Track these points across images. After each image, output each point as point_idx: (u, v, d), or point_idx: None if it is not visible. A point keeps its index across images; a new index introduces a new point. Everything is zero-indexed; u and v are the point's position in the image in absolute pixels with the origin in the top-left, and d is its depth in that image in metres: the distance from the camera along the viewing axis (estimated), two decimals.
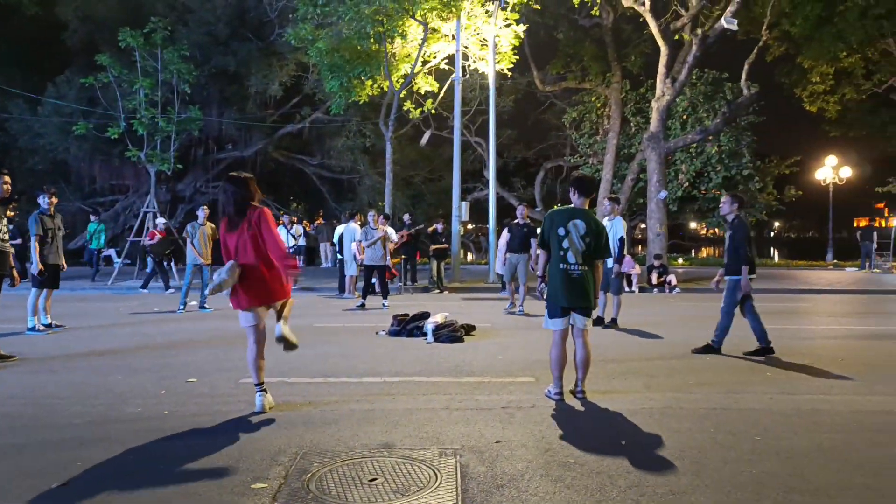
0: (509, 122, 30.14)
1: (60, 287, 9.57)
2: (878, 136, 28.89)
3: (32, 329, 8.66)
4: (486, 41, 17.90)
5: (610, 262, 9.32)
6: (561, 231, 5.28)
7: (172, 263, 15.85)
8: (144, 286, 14.89)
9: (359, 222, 14.34)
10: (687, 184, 27.67)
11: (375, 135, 26.10)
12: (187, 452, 4.01)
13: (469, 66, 18.74)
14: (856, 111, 27.16)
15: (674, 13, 19.49)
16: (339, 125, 27.09)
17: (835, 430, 4.52)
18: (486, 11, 17.53)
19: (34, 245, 8.64)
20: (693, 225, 47.83)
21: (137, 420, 4.70)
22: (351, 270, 13.90)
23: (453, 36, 17.40)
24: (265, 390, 5.00)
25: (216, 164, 28.07)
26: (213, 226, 11.43)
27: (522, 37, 18.60)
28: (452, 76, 17.67)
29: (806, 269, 24.98)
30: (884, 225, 45.83)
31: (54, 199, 9.03)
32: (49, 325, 8.94)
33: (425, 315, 8.82)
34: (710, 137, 24.65)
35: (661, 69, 18.66)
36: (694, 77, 25.65)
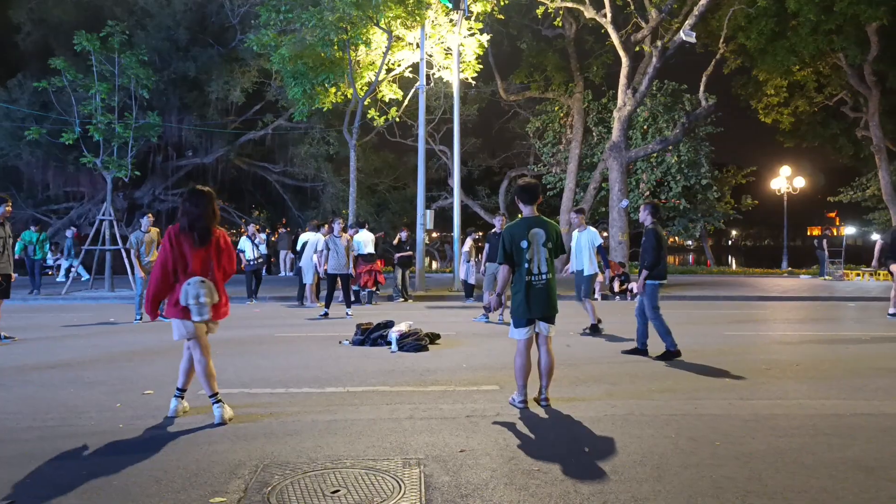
0: (474, 131, 30.39)
1: (11, 297, 9.24)
2: (830, 147, 29.90)
3: None
4: (451, 50, 17.98)
5: (589, 270, 9.88)
6: (524, 244, 5.30)
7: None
8: (252, 295, 14.74)
9: (325, 232, 14.23)
10: (648, 193, 28.14)
11: (339, 142, 25.95)
12: (143, 467, 3.89)
13: (433, 74, 18.79)
14: (808, 123, 28.08)
15: (634, 25, 19.87)
16: (302, 132, 26.88)
17: (791, 435, 4.62)
18: (451, 20, 17.61)
19: None
20: None
21: (91, 434, 4.55)
22: (308, 279, 13.77)
23: (417, 44, 17.43)
24: (221, 400, 4.90)
25: (176, 171, 27.55)
26: (158, 230, 11.03)
27: (486, 46, 18.74)
28: (417, 84, 17.69)
29: (762, 276, 25.61)
30: (835, 234, 47.27)
31: (9, 209, 8.69)
32: None
33: (389, 324, 8.77)
34: (670, 147, 25.14)
35: (623, 80, 18.99)
36: (654, 88, 26.19)
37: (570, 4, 20.23)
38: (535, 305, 5.27)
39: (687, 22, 17.73)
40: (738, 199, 34.02)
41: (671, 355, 7.55)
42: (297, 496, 3.48)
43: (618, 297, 16.12)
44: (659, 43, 18.56)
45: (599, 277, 10.06)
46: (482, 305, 11.78)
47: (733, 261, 54.78)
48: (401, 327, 8.44)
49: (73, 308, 13.50)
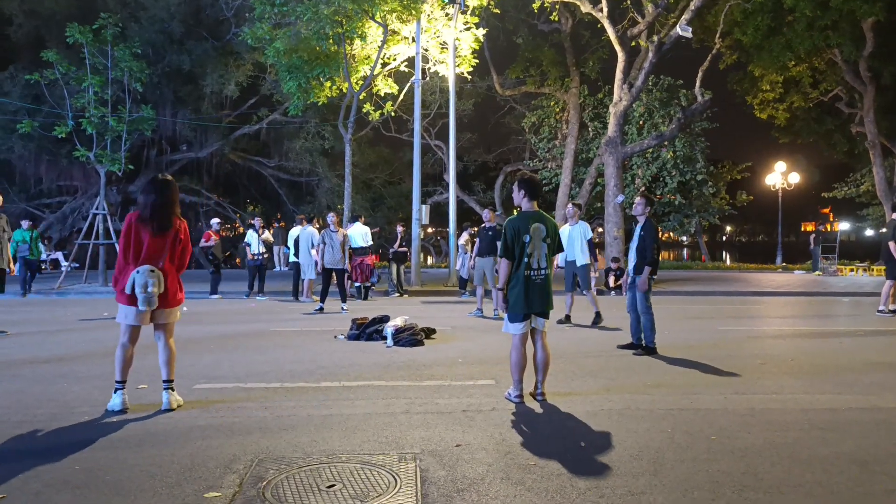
0: (469, 126, 30.39)
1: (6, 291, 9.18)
2: (824, 143, 29.96)
3: None
4: (446, 44, 17.92)
5: (583, 260, 10.04)
6: (526, 238, 5.26)
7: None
8: (214, 292, 14.46)
9: (316, 226, 14.18)
10: (643, 188, 28.15)
11: (334, 137, 25.89)
12: (137, 462, 3.87)
13: (429, 68, 18.73)
14: (803, 119, 28.12)
15: (631, 20, 19.83)
16: (297, 127, 26.79)
17: (787, 429, 4.62)
18: (447, 14, 17.54)
19: None
20: None
21: (84, 430, 4.51)
22: (309, 274, 13.71)
23: (413, 38, 17.37)
24: (122, 390, 5.00)
25: (170, 165, 27.43)
26: None
27: (482, 40, 18.70)
28: (412, 79, 17.64)
29: (757, 271, 25.69)
30: (829, 229, 47.47)
31: None
32: None
33: (385, 318, 8.75)
34: (666, 143, 25.15)
35: (619, 75, 18.96)
36: (650, 83, 26.18)
37: None
38: (533, 300, 5.25)
39: (683, 17, 17.72)
40: (733, 194, 34.12)
41: (651, 351, 7.57)
42: (293, 491, 3.46)
43: (613, 291, 16.15)
44: (655, 38, 18.53)
45: (594, 272, 10.19)
46: (476, 301, 11.77)
47: (728, 256, 54.95)
48: (396, 322, 8.43)
49: (67, 303, 13.43)
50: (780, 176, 29.66)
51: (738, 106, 27.72)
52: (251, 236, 14.46)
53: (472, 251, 15.06)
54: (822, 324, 11.06)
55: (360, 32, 16.77)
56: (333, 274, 12.04)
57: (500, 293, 5.36)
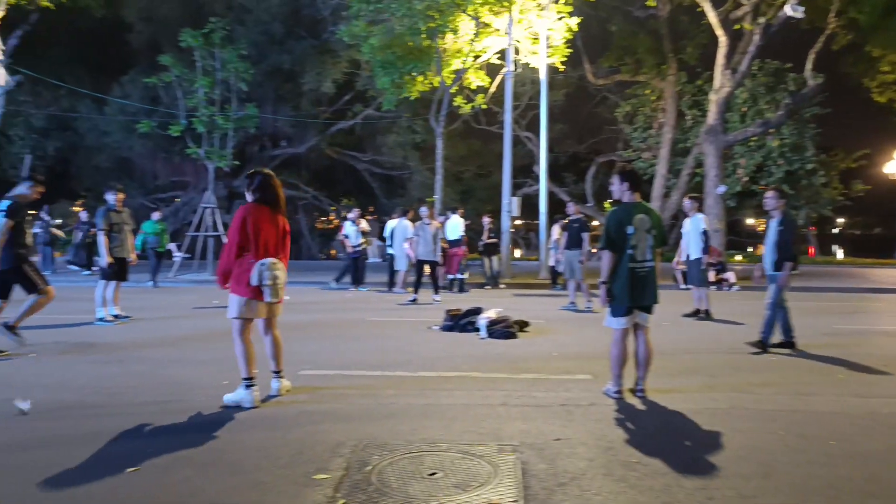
0: (560, 117, 29.85)
1: (128, 279, 9.89)
2: None
3: (101, 320, 8.99)
4: (538, 35, 17.73)
5: (696, 254, 9.91)
6: (630, 229, 5.14)
7: None
8: (358, 283, 14.61)
9: (410, 218, 14.39)
10: (746, 178, 26.88)
11: (426, 131, 26.20)
12: (251, 443, 4.09)
13: (520, 60, 18.59)
14: None
15: (734, 2, 18.92)
16: (390, 121, 27.30)
17: None
18: (539, 5, 17.35)
19: (101, 239, 8.97)
20: (751, 221, 46.47)
21: (202, 410, 4.82)
22: (401, 266, 13.95)
23: (505, 31, 17.29)
24: (254, 385, 5.03)
25: (271, 160, 28.64)
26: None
27: (575, 30, 18.34)
28: (504, 71, 17.58)
29: (872, 266, 23.96)
30: None
31: (122, 196, 9.35)
32: (117, 317, 9.26)
33: (478, 310, 8.79)
34: (772, 130, 23.89)
35: (720, 60, 18.16)
36: (755, 68, 24.89)
37: None
38: (636, 294, 5.13)
39: None
40: (846, 184, 31.92)
41: (765, 347, 7.26)
42: (397, 477, 3.55)
43: (713, 286, 15.51)
44: (761, 20, 17.60)
45: (704, 260, 9.96)
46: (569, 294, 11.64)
47: (839, 250, 51.55)
48: (490, 314, 8.46)
49: (179, 291, 14.32)
50: None
51: (854, 89, 25.84)
52: (349, 228, 14.73)
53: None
54: None
55: (452, 26, 16.88)
56: (426, 265, 12.22)
57: (603, 287, 5.26)
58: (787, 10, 16.37)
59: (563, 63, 19.09)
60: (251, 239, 4.88)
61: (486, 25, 17.50)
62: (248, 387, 4.94)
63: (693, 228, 10.08)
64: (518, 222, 37.06)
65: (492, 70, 19.17)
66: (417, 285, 12.24)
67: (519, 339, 8.05)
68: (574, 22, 17.87)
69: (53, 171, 29.18)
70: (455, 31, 17.25)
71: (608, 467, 3.71)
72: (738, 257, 28.67)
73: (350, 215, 15.10)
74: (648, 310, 5.24)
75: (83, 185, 30.19)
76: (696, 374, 6.11)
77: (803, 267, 22.91)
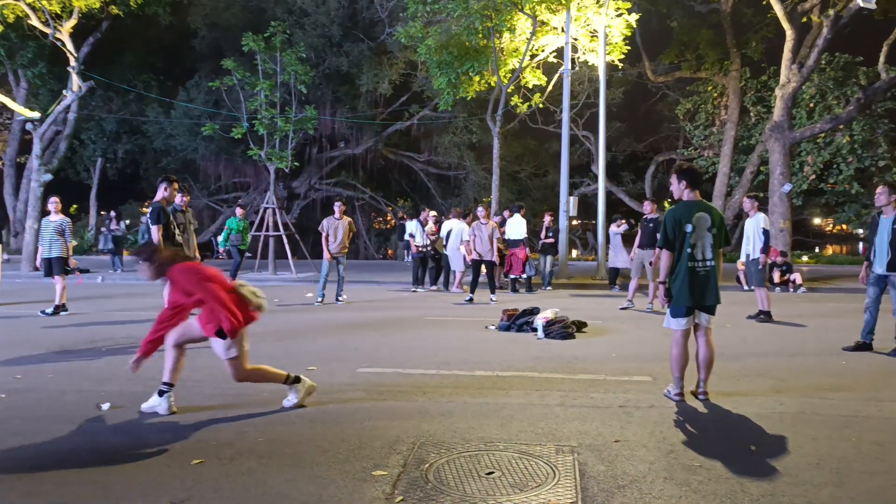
0: (619, 115, 29.34)
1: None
2: None
3: None
4: (597, 32, 17.48)
5: (755, 254, 9.67)
6: (689, 227, 5.02)
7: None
8: (419, 283, 14.52)
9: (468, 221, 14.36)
10: (813, 176, 25.87)
11: (481, 130, 26.18)
12: (310, 437, 4.17)
13: (578, 58, 18.36)
14: None
15: None
16: (446, 122, 27.40)
17: None
18: (597, 2, 17.09)
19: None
20: (818, 221, 44.66)
21: (265, 405, 4.94)
22: (457, 266, 13.96)
23: (562, 28, 17.11)
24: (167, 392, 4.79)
25: (329, 161, 29.17)
26: (351, 220, 11.87)
27: (634, 26, 17.99)
28: (561, 69, 17.39)
29: None
30: None
31: (187, 197, 9.62)
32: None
33: (535, 310, 8.74)
34: (841, 126, 22.92)
35: (787, 54, 17.51)
36: (823, 62, 23.90)
37: None
38: (696, 294, 5.01)
39: None
40: None
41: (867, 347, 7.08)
42: (454, 475, 3.56)
43: (778, 288, 14.98)
44: (831, 12, 16.88)
45: (762, 260, 9.65)
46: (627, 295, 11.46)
47: None
48: (546, 314, 8.39)
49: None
50: None
51: None
52: (415, 228, 14.61)
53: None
54: None
55: (508, 25, 16.79)
56: (482, 265, 12.20)
57: (661, 287, 5.16)
58: (859, 0, 15.64)
59: (621, 60, 18.75)
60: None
61: (544, 24, 17.35)
62: (161, 394, 4.74)
63: (753, 227, 9.85)
64: (574, 222, 36.69)
65: (549, 69, 18.99)
66: (474, 285, 12.24)
67: (576, 339, 7.96)
68: (633, 18, 17.53)
69: (123, 174, 30.51)
70: (512, 30, 17.16)
71: (669, 471, 3.63)
72: (805, 258, 27.59)
73: (422, 215, 15.07)
74: (710, 310, 5.10)
75: (151, 187, 31.42)
76: (762, 377, 5.91)
77: None
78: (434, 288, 14.60)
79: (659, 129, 32.32)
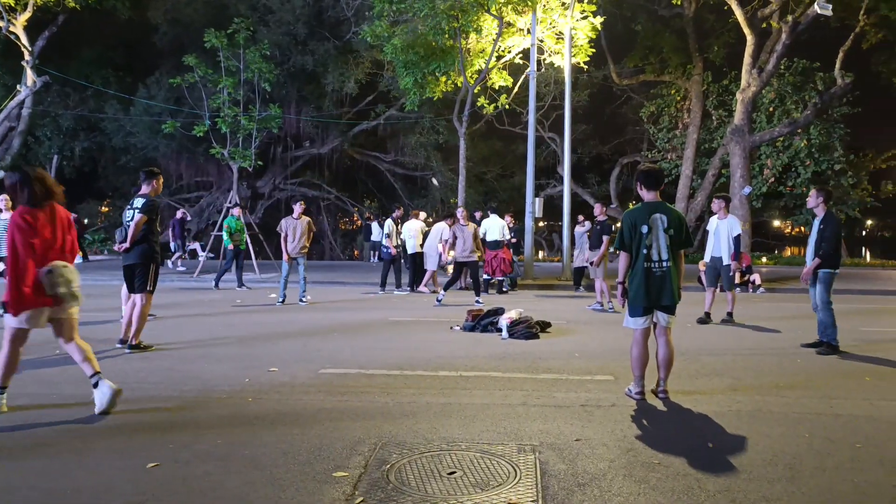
0: (584, 117, 29.63)
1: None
2: None
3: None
4: (562, 35, 17.62)
5: (726, 259, 9.54)
6: (644, 228, 5.10)
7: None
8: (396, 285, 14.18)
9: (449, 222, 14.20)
10: (772, 179, 26.49)
11: (448, 131, 26.20)
12: (271, 439, 4.11)
13: (544, 60, 18.49)
14: None
15: (761, 0, 18.65)
16: (412, 122, 27.35)
17: None
18: (563, 4, 17.23)
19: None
20: (777, 223, 45.84)
21: (223, 406, 4.86)
22: (431, 265, 13.88)
23: (528, 30, 17.20)
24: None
25: (294, 161, 28.85)
26: (310, 219, 11.73)
27: (599, 29, 18.19)
28: (527, 71, 17.48)
29: None
30: None
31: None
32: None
33: (499, 311, 8.77)
34: (799, 130, 23.51)
35: (747, 59, 17.92)
36: (782, 67, 24.51)
37: None
38: (653, 294, 5.08)
39: None
40: (876, 185, 31.28)
41: (833, 349, 7.18)
42: (415, 475, 3.55)
43: (738, 288, 15.27)
44: (789, 18, 17.34)
45: (734, 266, 9.62)
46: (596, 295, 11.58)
47: (868, 253, 50.58)
48: (511, 314, 8.42)
49: (204, 290, 14.46)
50: None
51: (885, 88, 25.33)
52: (389, 227, 14.28)
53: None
54: None
55: (475, 26, 16.83)
56: (464, 267, 12.20)
57: (620, 287, 5.23)
58: (816, 7, 16.08)
59: (586, 63, 18.94)
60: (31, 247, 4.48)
61: (510, 25, 17.43)
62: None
63: (727, 231, 9.56)
64: (541, 224, 36.98)
65: (515, 70, 19.10)
66: (449, 285, 12.15)
67: (540, 339, 8.01)
68: (598, 21, 17.72)
69: (81, 172, 29.75)
70: (478, 31, 17.20)
71: (628, 468, 3.67)
72: (764, 259, 28.26)
73: (393, 214, 14.87)
74: (668, 310, 5.16)
75: (110, 186, 30.70)
76: (720, 376, 6.02)
77: None
78: (406, 290, 14.38)
79: (624, 131, 32.78)
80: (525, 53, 17.93)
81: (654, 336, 5.24)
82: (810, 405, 5.03)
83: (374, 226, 24.69)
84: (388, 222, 14.46)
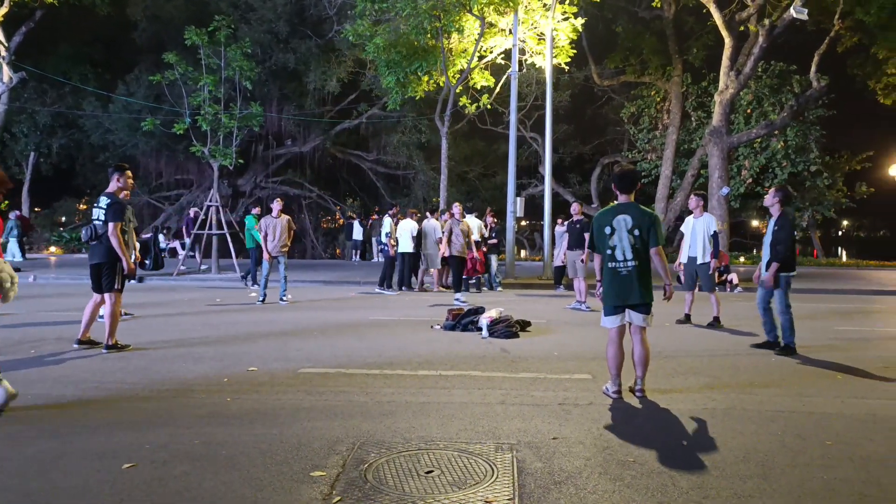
0: (566, 117, 29.78)
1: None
2: None
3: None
4: (544, 35, 17.71)
5: (702, 258, 9.44)
6: (607, 230, 5.22)
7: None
8: (397, 283, 14.22)
9: (415, 218, 14.31)
10: (750, 180, 26.83)
11: (431, 130, 26.22)
12: (249, 439, 4.11)
13: (526, 60, 18.57)
14: None
15: (739, 3, 18.90)
16: (394, 121, 27.32)
17: None
18: (544, 5, 17.33)
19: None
20: (755, 223, 46.38)
21: (202, 406, 4.83)
22: (435, 264, 13.89)
23: (510, 30, 17.28)
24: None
25: (276, 159, 28.70)
26: (290, 218, 11.68)
27: (580, 30, 18.32)
28: (509, 71, 17.56)
29: (877, 269, 23.87)
30: None
31: (127, 194, 9.29)
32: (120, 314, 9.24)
33: (480, 310, 8.81)
34: (776, 132, 23.83)
35: (725, 62, 18.14)
36: (760, 69, 24.86)
37: None
38: (620, 293, 5.17)
39: None
40: (851, 186, 31.80)
41: (790, 351, 7.20)
42: (393, 474, 3.56)
43: (716, 287, 15.47)
44: (766, 21, 17.57)
45: (713, 264, 9.46)
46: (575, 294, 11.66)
47: (844, 253, 51.40)
48: (491, 314, 8.46)
49: (183, 288, 14.35)
50: None
51: (859, 91, 25.78)
52: (389, 226, 14.25)
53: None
54: None
55: (457, 26, 16.88)
56: (451, 262, 12.29)
57: (599, 286, 5.36)
58: (792, 11, 16.33)
59: (568, 64, 19.07)
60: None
61: (492, 25, 17.49)
62: None
63: (704, 230, 9.40)
64: (522, 223, 37.11)
65: (497, 70, 19.16)
66: (459, 284, 12.14)
67: (520, 338, 8.05)
68: (579, 22, 17.84)
69: (58, 169, 29.36)
70: (460, 31, 17.25)
71: (604, 466, 3.72)
72: (742, 259, 28.59)
73: (390, 212, 14.82)
74: (639, 309, 5.21)
75: (88, 183, 30.32)
76: (696, 375, 6.10)
77: (807, 269, 22.86)
78: (402, 289, 14.29)
79: (604, 131, 32.99)
80: (507, 54, 18.00)
81: (630, 335, 5.31)
82: (783, 403, 5.12)
83: (356, 224, 24.66)
84: (388, 221, 14.46)
